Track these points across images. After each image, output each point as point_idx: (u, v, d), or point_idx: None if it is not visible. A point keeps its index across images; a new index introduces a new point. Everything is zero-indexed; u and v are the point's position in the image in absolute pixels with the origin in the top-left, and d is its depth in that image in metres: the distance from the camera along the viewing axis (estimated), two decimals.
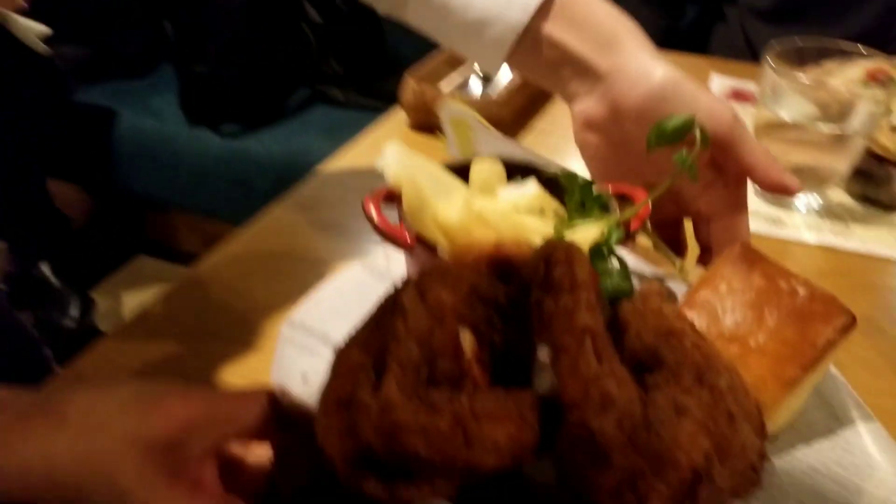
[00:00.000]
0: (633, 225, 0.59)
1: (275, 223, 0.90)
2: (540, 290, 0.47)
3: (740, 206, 0.64)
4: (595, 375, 0.44)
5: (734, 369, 0.48)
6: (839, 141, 0.91)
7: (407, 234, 0.57)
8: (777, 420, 0.53)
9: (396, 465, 0.43)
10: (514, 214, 0.55)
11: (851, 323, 0.53)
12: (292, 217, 0.92)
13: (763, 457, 0.47)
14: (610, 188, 0.63)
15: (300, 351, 0.63)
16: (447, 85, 1.23)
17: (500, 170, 0.67)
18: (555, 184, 0.64)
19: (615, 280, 0.52)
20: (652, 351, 0.46)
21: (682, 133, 0.57)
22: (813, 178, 0.95)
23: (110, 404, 0.46)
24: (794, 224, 0.94)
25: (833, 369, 0.59)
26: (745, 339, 0.52)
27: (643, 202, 0.59)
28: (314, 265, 0.82)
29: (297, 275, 0.80)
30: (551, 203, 0.64)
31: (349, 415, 0.44)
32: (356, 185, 0.98)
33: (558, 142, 1.15)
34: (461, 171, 0.66)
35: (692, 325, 0.49)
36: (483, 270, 0.49)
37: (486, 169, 0.66)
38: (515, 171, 0.67)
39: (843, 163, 0.93)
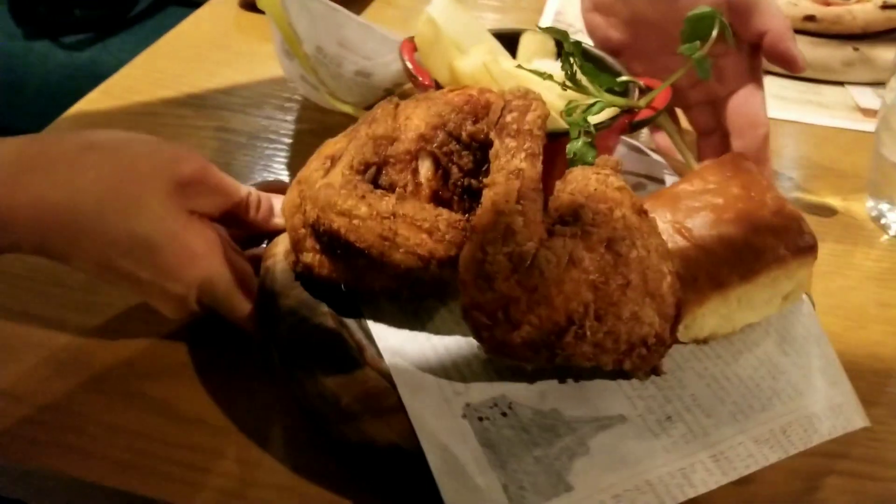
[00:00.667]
0: (644, 113, 0.61)
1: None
2: (494, 131, 0.52)
3: (755, 76, 0.61)
4: (508, 211, 0.48)
5: (663, 253, 0.50)
6: None
7: (425, 76, 0.63)
8: (706, 323, 0.54)
9: (331, 242, 0.51)
10: (519, 75, 0.59)
11: (809, 247, 0.52)
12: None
13: (661, 339, 0.49)
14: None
15: None
16: None
17: (550, 44, 0.70)
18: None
19: (579, 146, 0.54)
20: (574, 207, 0.50)
21: (710, 26, 0.57)
22: None
23: (137, 140, 0.55)
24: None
25: (807, 307, 0.58)
26: (695, 234, 0.53)
27: (657, 90, 0.60)
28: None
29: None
30: (585, 79, 0.66)
31: (301, 191, 0.52)
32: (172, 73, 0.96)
33: (403, 15, 1.10)
34: (509, 39, 0.69)
35: (634, 201, 0.51)
36: (457, 107, 0.54)
37: (536, 41, 0.70)
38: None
39: None
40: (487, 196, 0.50)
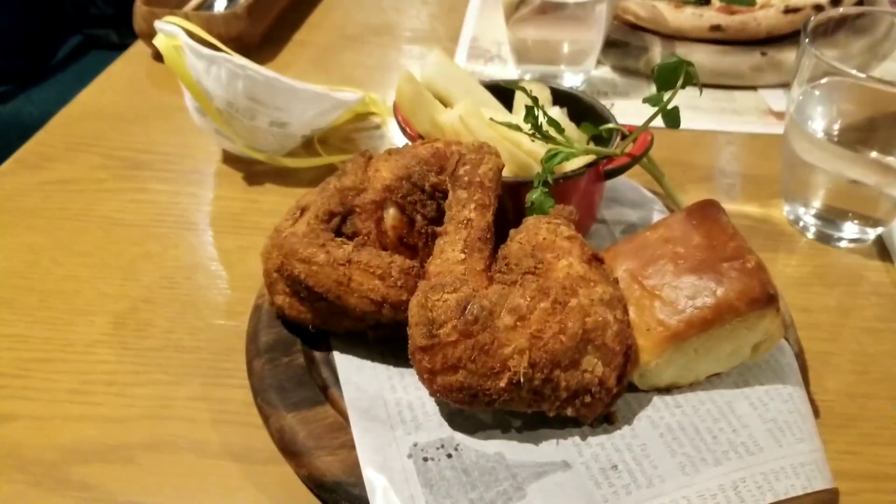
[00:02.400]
0: (621, 160, 0.61)
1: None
2: (449, 182, 0.55)
3: None
4: (453, 259, 0.51)
5: (610, 301, 0.51)
6: (585, 10, 0.90)
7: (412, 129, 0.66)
8: (664, 372, 0.53)
9: (296, 286, 0.55)
10: (494, 129, 0.61)
11: (767, 299, 0.50)
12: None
13: (605, 387, 0.50)
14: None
15: None
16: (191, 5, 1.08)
17: (547, 94, 0.72)
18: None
19: (537, 195, 0.55)
20: (520, 256, 0.51)
21: (677, 76, 0.57)
22: (571, 55, 0.95)
23: None
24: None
25: (786, 356, 0.56)
26: (651, 283, 0.53)
27: (630, 137, 0.61)
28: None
29: None
30: (573, 129, 0.67)
31: (273, 237, 0.57)
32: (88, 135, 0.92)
33: (318, 54, 1.06)
34: (504, 90, 0.72)
35: (584, 250, 0.52)
36: (424, 159, 0.57)
37: (533, 91, 0.72)
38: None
39: (595, 34, 0.92)
40: (437, 245, 0.53)
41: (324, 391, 0.55)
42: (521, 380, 0.48)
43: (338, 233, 0.56)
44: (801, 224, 0.76)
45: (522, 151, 0.63)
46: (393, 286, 0.52)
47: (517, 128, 0.60)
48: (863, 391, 0.60)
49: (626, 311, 0.52)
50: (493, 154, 0.54)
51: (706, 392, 0.54)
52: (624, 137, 0.64)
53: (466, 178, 0.53)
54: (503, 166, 0.54)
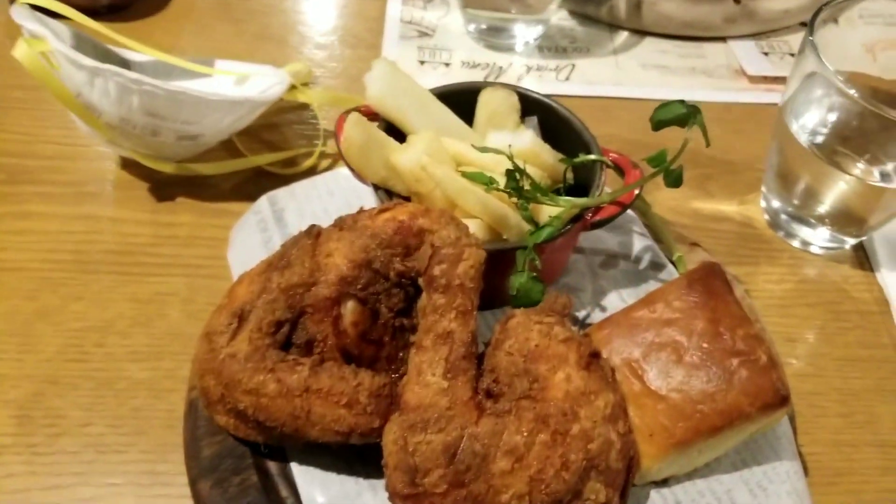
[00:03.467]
0: (609, 209, 0.53)
1: None
2: (423, 280, 0.46)
3: None
4: (434, 391, 0.43)
5: (612, 415, 0.45)
6: None
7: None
8: (664, 470, 0.49)
9: (242, 415, 0.46)
10: (461, 180, 0.51)
11: (780, 403, 0.46)
12: None
13: None
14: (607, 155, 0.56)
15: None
16: None
17: (513, 102, 0.61)
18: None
19: (524, 281, 0.47)
20: (511, 374, 0.44)
21: (683, 120, 0.49)
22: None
23: None
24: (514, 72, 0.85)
25: (783, 429, 0.53)
26: (653, 381, 0.47)
27: (623, 190, 0.52)
28: None
29: None
30: (548, 152, 0.58)
31: (206, 350, 0.47)
32: None
33: (196, 26, 0.91)
34: (463, 95, 0.61)
35: (581, 352, 0.45)
36: (385, 239, 0.47)
37: (496, 100, 0.61)
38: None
39: None
40: (413, 364, 0.44)
41: None
42: None
43: (287, 343, 0.46)
44: (780, 227, 0.72)
45: (495, 197, 0.53)
46: (362, 413, 0.44)
47: (491, 180, 0.50)
48: (848, 439, 0.58)
49: (627, 418, 0.46)
50: (472, 246, 0.45)
51: (704, 480, 0.51)
52: (607, 167, 0.56)
53: (444, 281, 0.44)
54: (485, 259, 0.45)
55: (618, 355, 0.49)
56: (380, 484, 0.48)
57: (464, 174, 0.51)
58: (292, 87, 0.75)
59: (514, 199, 0.53)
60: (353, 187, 0.64)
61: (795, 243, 0.71)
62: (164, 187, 0.71)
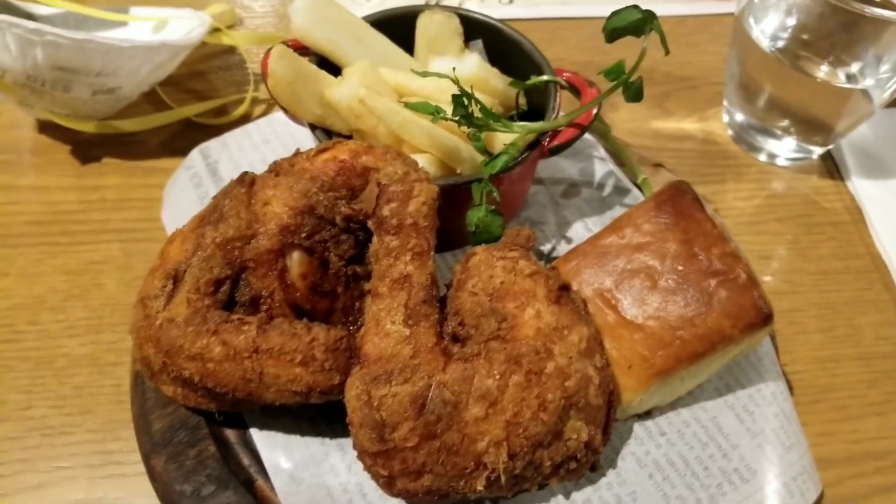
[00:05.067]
0: (568, 132, 0.50)
1: None
2: (373, 222, 0.42)
3: None
4: (398, 339, 0.39)
5: (588, 349, 0.42)
6: None
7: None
8: (646, 402, 0.46)
9: (188, 383, 0.42)
10: (405, 112, 0.47)
11: (764, 322, 0.43)
12: None
13: (591, 448, 0.42)
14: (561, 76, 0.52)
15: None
16: None
17: (455, 25, 0.57)
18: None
19: (482, 216, 0.44)
20: (477, 315, 0.41)
21: (639, 27, 0.45)
22: None
23: None
24: None
25: (765, 349, 0.51)
26: (627, 310, 0.44)
27: (580, 109, 0.48)
28: None
29: None
30: (496, 77, 0.54)
31: (141, 317, 0.43)
32: None
33: None
34: (401, 22, 0.56)
35: (550, 286, 0.42)
36: (327, 181, 0.43)
37: (437, 24, 0.56)
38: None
39: None
40: (371, 313, 0.41)
41: (249, 487, 0.45)
42: (503, 476, 0.39)
43: (230, 302, 0.42)
44: (745, 141, 0.69)
45: (443, 128, 0.49)
46: (319, 370, 0.41)
47: (437, 110, 0.46)
48: (830, 354, 0.57)
49: (604, 352, 0.44)
50: (423, 181, 0.41)
51: (689, 409, 0.48)
52: (563, 88, 0.52)
53: (395, 221, 0.40)
54: (438, 194, 0.41)
55: (588, 286, 0.46)
56: (348, 443, 0.46)
57: (407, 105, 0.47)
58: (215, 30, 0.69)
59: (465, 129, 0.49)
60: (290, 133, 0.59)
61: (761, 157, 0.69)
62: (88, 149, 0.65)
